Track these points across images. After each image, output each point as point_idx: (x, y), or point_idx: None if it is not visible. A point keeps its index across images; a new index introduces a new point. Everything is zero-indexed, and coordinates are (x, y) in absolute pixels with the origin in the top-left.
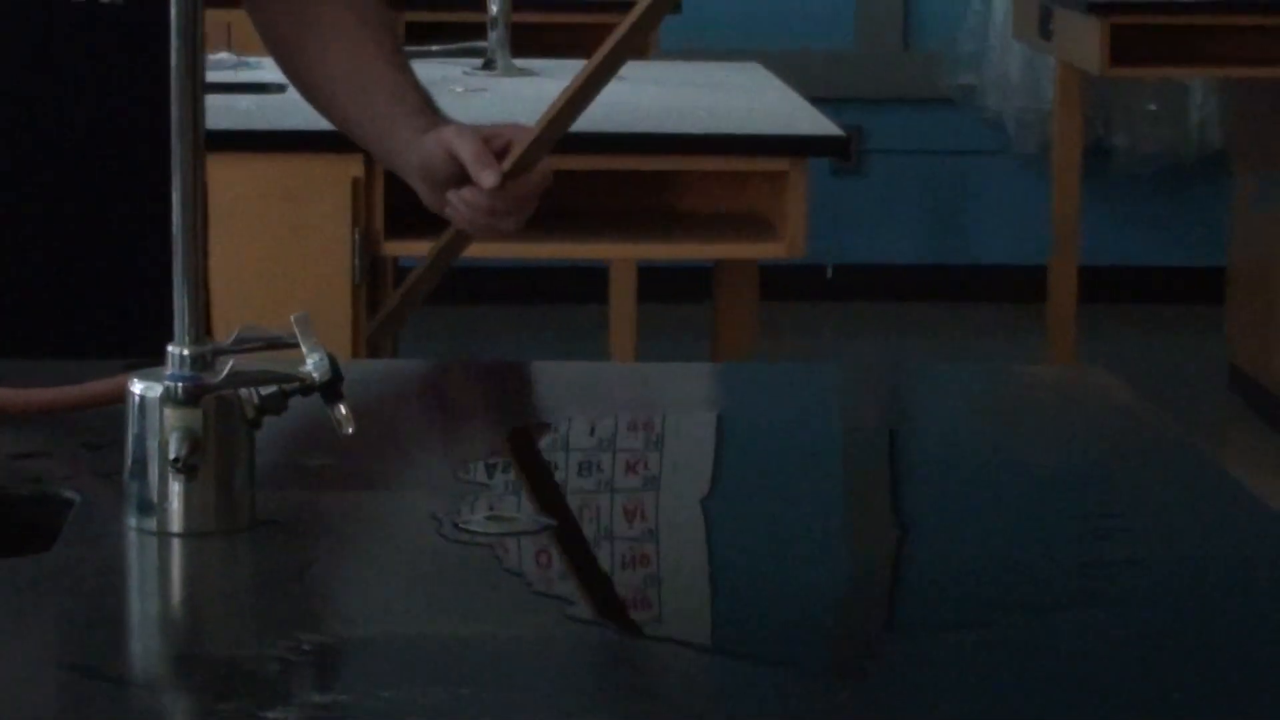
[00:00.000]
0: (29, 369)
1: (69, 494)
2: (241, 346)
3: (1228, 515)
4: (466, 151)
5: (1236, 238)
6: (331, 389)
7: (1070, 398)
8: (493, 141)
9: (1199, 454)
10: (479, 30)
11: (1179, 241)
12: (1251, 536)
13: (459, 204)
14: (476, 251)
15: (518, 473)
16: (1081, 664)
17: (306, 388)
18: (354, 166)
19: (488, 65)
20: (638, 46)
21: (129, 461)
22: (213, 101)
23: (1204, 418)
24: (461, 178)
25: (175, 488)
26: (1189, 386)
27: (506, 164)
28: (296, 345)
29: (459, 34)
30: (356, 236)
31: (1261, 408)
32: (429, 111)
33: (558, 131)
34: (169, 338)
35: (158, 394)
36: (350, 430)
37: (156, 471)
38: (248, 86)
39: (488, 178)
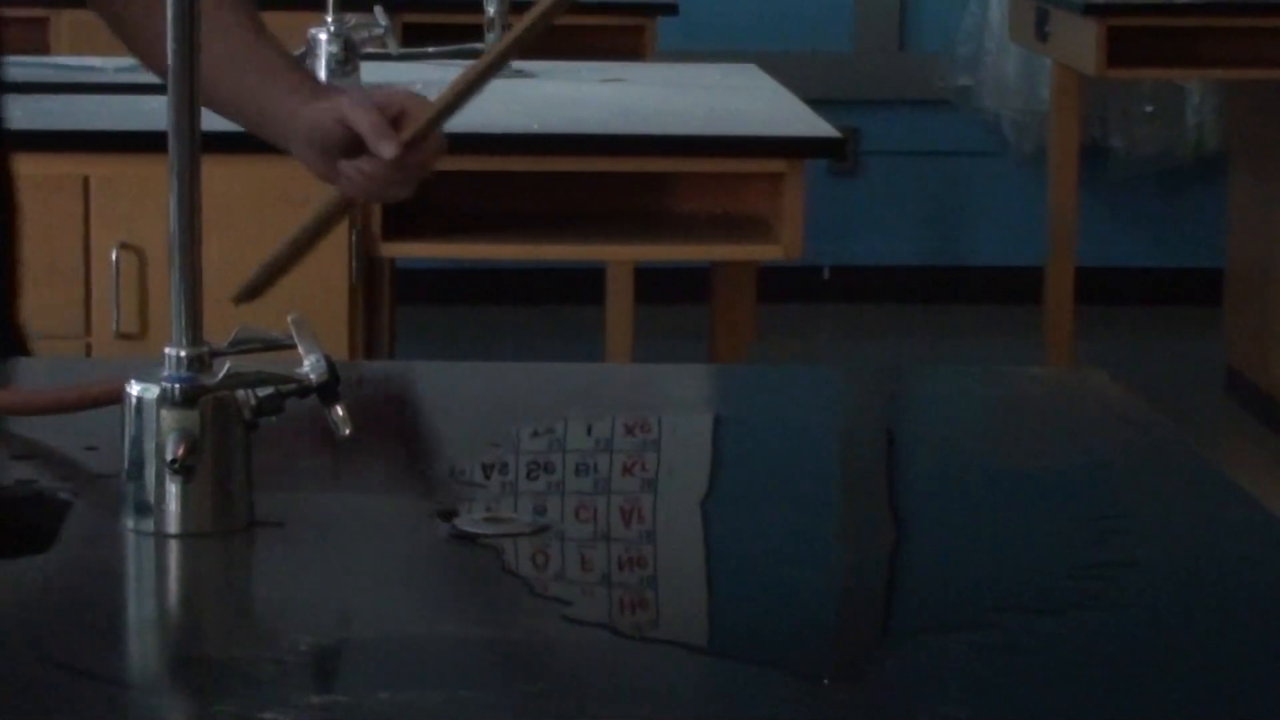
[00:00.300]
0: (25, 370)
1: (66, 495)
2: (238, 348)
3: (1225, 517)
4: (364, 122)
5: (1234, 240)
6: (328, 390)
7: (1067, 399)
8: (386, 110)
9: (1196, 456)
10: (476, 32)
11: (1176, 243)
12: (1248, 539)
13: (353, 173)
14: (473, 253)
15: (515, 474)
16: (1079, 666)
17: (304, 389)
18: None
19: None
20: (542, 33)
21: (126, 463)
22: None
23: (1201, 420)
24: (355, 146)
25: (172, 489)
26: (1186, 388)
27: (405, 135)
28: (293, 347)
29: (456, 36)
30: (353, 238)
31: (1258, 410)
32: (310, 80)
33: (456, 107)
34: None
35: (155, 395)
36: (347, 432)
37: (154, 473)
38: None
39: (387, 149)
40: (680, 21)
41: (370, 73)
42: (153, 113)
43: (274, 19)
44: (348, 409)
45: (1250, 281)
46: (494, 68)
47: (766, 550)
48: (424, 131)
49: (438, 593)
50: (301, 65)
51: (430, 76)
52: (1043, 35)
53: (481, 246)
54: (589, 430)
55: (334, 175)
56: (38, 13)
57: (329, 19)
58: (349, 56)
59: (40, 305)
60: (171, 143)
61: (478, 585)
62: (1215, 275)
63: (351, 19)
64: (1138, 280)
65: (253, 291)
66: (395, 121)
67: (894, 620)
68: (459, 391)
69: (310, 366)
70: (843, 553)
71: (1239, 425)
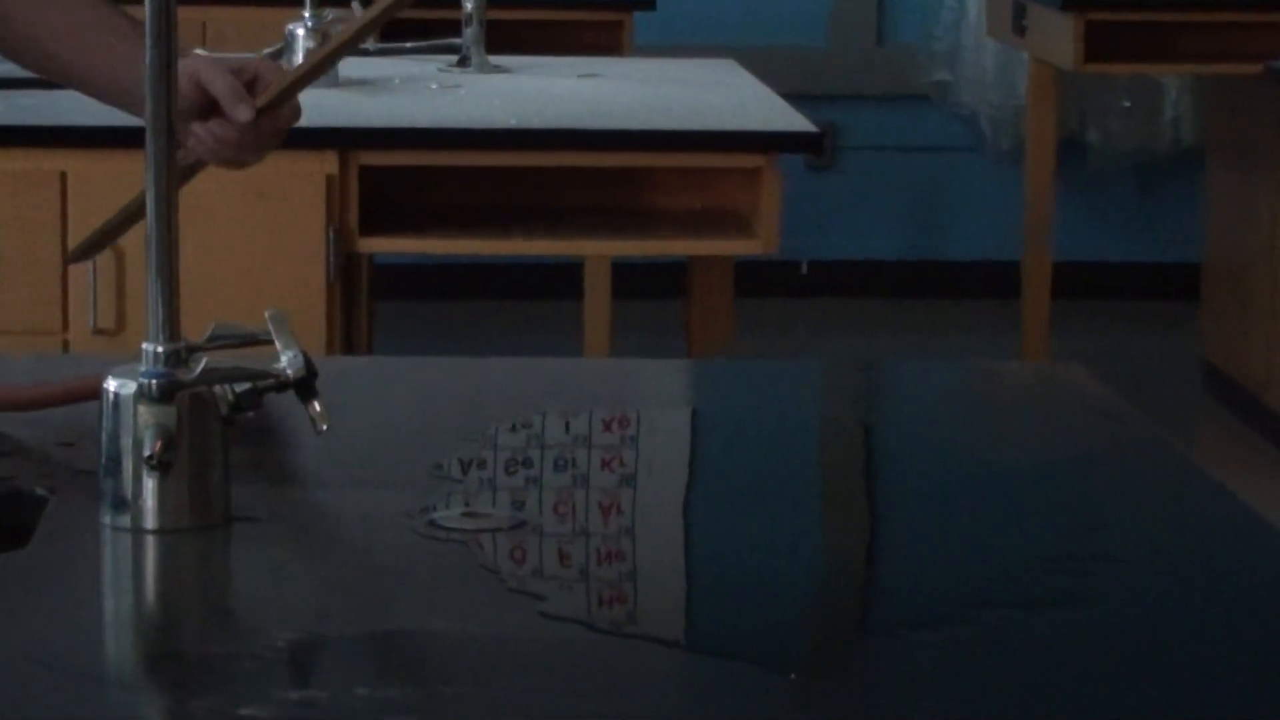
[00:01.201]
0: (1, 366)
1: (43, 491)
2: (216, 344)
3: (1201, 512)
4: (220, 85)
5: (1211, 234)
6: (306, 386)
7: (1044, 394)
8: (240, 74)
9: (1172, 450)
10: (453, 27)
11: (1153, 238)
12: (1224, 533)
13: (205, 135)
14: (450, 248)
15: (493, 469)
16: (1055, 660)
17: (281, 385)
18: (328, 164)
19: (462, 62)
20: (400, 9)
21: (103, 458)
22: None
23: (1178, 414)
24: (207, 109)
25: (149, 485)
26: (1163, 382)
27: (261, 100)
28: (271, 342)
29: (433, 31)
30: (331, 234)
31: (1235, 404)
32: None
33: (312, 77)
34: None
35: (132, 391)
36: (325, 427)
37: (131, 468)
38: None
39: (243, 112)
40: (657, 17)
41: (347, 68)
42: None
43: (252, 14)
44: (325, 404)
45: (1227, 276)
46: (356, 39)
47: (744, 545)
48: (279, 98)
49: (415, 588)
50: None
51: (407, 72)
52: (1020, 30)
53: (459, 242)
54: (567, 425)
55: (184, 137)
56: None
57: (306, 14)
58: None
59: (18, 301)
60: (149, 139)
61: (455, 581)
62: (1192, 270)
63: (329, 14)
64: (1115, 275)
65: (85, 253)
66: (249, 86)
67: (871, 615)
68: (437, 387)
69: (287, 362)
70: (820, 547)
71: (1216, 420)
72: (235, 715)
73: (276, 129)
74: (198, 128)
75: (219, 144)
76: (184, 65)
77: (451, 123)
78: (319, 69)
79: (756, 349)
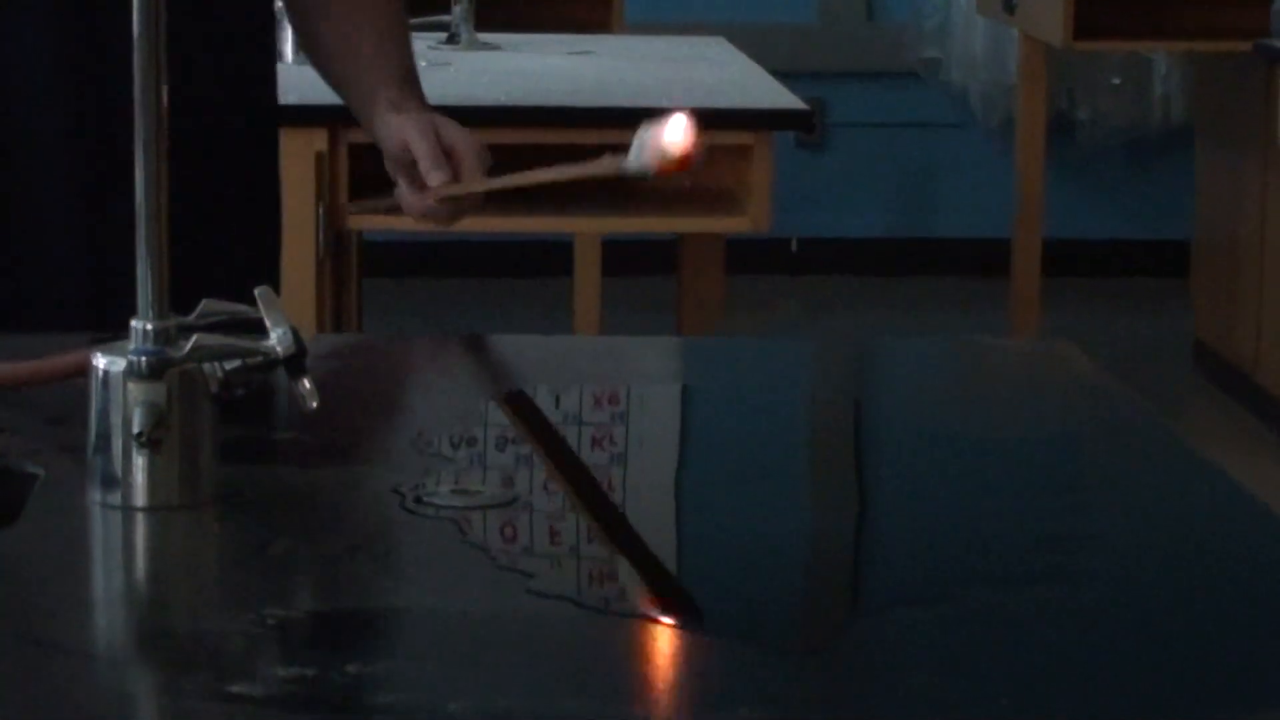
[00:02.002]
0: None
1: (33, 468)
2: (205, 321)
3: (1191, 489)
4: (422, 148)
5: (1201, 211)
6: (295, 363)
7: (1034, 372)
8: (440, 139)
9: (1163, 428)
10: (443, 4)
11: (1143, 215)
12: (1215, 511)
13: (402, 194)
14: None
15: (483, 446)
16: (1045, 638)
17: (270, 362)
18: (318, 140)
19: (452, 39)
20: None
21: (93, 436)
22: None
23: (1168, 392)
24: (412, 166)
25: (139, 462)
26: (1153, 360)
27: (445, 192)
28: (261, 319)
29: (423, 7)
30: (321, 210)
31: (1225, 382)
32: (402, 88)
33: (497, 188)
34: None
35: (121, 368)
36: (314, 404)
37: (120, 446)
38: None
39: (435, 177)
40: None
41: None
42: None
43: None
44: (314, 381)
45: (1217, 253)
46: (535, 181)
47: (733, 523)
48: (464, 204)
49: (404, 565)
50: (405, 67)
51: None
52: (1010, 7)
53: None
54: (557, 402)
55: (394, 180)
56: None
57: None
58: None
59: None
60: (138, 115)
61: (444, 558)
62: (1182, 247)
63: None
64: (1105, 252)
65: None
66: (446, 154)
67: (861, 593)
68: (426, 364)
69: (277, 339)
70: (810, 525)
71: (1205, 397)
72: (224, 692)
73: (463, 208)
74: (402, 185)
75: (408, 207)
76: (398, 120)
77: (441, 100)
78: (501, 186)
79: (747, 326)
